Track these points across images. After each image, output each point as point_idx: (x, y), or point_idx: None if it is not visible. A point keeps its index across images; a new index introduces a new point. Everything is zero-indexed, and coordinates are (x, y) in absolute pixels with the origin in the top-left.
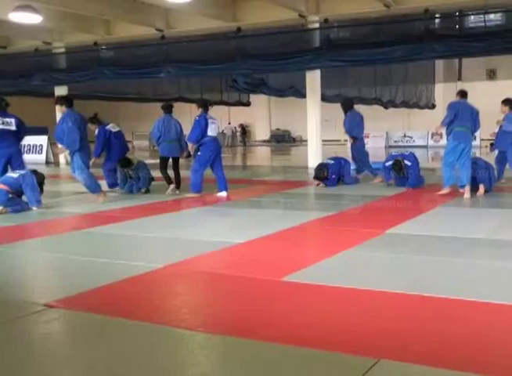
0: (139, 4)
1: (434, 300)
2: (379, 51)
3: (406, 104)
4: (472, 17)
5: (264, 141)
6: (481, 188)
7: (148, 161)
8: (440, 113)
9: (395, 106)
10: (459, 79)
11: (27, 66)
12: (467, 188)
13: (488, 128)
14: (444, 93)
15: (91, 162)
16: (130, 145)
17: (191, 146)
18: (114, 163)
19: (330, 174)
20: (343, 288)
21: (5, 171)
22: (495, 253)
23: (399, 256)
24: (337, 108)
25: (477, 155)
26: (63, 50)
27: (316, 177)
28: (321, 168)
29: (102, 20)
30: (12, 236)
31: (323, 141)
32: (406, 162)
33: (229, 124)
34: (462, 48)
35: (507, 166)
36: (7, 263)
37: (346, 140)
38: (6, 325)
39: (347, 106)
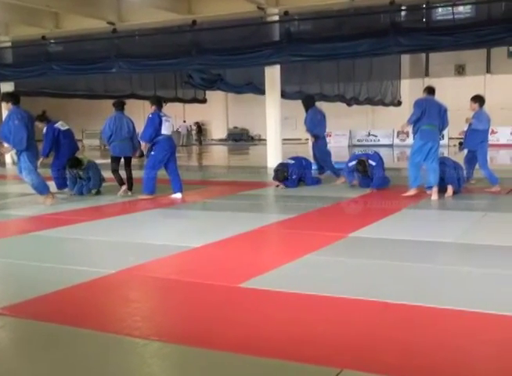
0: None
1: (400, 307)
2: (342, 45)
3: (371, 101)
4: (440, 9)
5: (221, 140)
6: (450, 189)
7: (99, 161)
8: (406, 110)
9: (359, 103)
10: (427, 75)
11: None
12: (435, 189)
13: (456, 126)
14: (410, 89)
15: (39, 162)
16: (80, 144)
17: (144, 146)
18: (63, 163)
19: (291, 174)
20: (304, 295)
21: None
22: (464, 258)
23: (363, 261)
24: (297, 105)
25: (446, 155)
26: (9, 44)
27: (276, 178)
28: (281, 169)
29: (51, 13)
30: None
31: (283, 140)
32: (371, 162)
33: (184, 122)
34: (429, 42)
35: (477, 166)
36: None
37: (307, 139)
38: None
39: (309, 104)
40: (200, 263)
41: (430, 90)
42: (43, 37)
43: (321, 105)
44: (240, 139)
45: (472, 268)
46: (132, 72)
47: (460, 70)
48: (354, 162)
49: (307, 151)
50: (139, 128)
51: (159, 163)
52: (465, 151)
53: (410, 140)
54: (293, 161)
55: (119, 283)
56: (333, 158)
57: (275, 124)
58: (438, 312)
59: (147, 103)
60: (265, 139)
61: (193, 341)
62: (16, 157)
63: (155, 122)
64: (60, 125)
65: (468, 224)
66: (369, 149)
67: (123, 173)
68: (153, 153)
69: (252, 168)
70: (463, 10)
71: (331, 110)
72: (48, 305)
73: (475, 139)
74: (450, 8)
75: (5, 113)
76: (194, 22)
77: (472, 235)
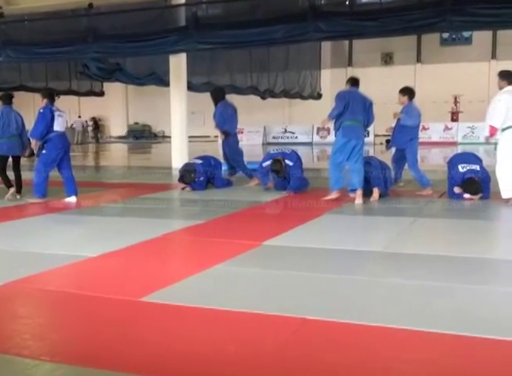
0: None
1: (319, 323)
2: (255, 31)
3: (287, 94)
4: None
5: (120, 137)
6: (376, 192)
7: None
8: (327, 104)
9: (274, 96)
10: (350, 64)
11: None
12: (359, 192)
13: (383, 122)
14: (332, 81)
15: None
16: None
17: (34, 143)
18: None
19: (198, 176)
20: (212, 310)
21: None
22: (391, 268)
23: (279, 272)
24: (205, 99)
25: (371, 154)
26: None
27: (182, 179)
28: (187, 169)
29: None
30: None
31: (190, 137)
32: (287, 162)
33: (79, 117)
34: (353, 28)
35: (406, 166)
36: None
37: (216, 136)
38: None
39: (218, 97)
40: (97, 275)
41: (354, 81)
42: None
43: (232, 98)
44: (142, 136)
45: (400, 279)
46: (21, 61)
47: (387, 60)
48: (269, 162)
49: (216, 150)
50: (29, 124)
51: (51, 163)
52: (393, 150)
53: (331, 137)
54: (200, 161)
55: (6, 296)
56: (246, 158)
57: (181, 119)
58: (362, 329)
59: (38, 96)
60: (169, 137)
61: (90, 362)
62: None
63: (47, 117)
64: None
65: (396, 231)
66: (285, 147)
67: (11, 174)
68: (44, 151)
69: (155, 168)
70: None
71: (243, 104)
72: None
73: (404, 137)
74: None
75: None
76: (91, 5)
77: (400, 243)
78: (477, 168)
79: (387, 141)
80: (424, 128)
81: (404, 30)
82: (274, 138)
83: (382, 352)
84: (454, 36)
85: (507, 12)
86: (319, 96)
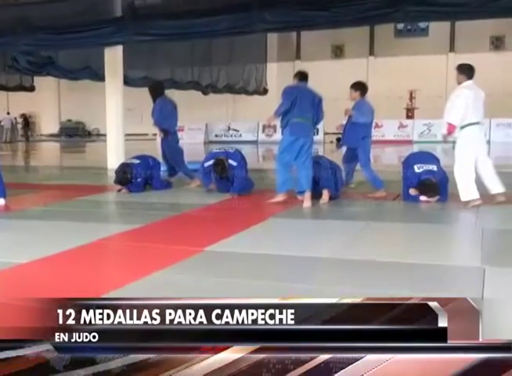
0: None
1: None
2: (197, 22)
3: (231, 89)
4: None
5: (52, 135)
6: (325, 194)
7: None
8: (273, 99)
9: (217, 91)
10: (298, 57)
11: None
12: (307, 194)
13: (334, 119)
14: (278, 75)
15: None
16: None
17: None
18: None
19: (135, 177)
20: None
21: None
22: (342, 276)
23: (220, 280)
24: (143, 94)
25: (321, 153)
26: None
27: (118, 181)
28: (123, 170)
29: None
30: None
31: (127, 135)
32: (231, 162)
33: (8, 114)
34: (301, 19)
35: (358, 167)
36: None
37: (155, 134)
38: None
39: (157, 92)
40: (26, 283)
41: (303, 76)
42: None
43: (172, 93)
44: (75, 134)
45: (351, 288)
46: None
47: (338, 52)
48: (211, 162)
49: (155, 149)
50: None
51: None
52: (344, 149)
53: (278, 136)
54: (138, 161)
55: None
56: (186, 157)
57: (117, 116)
58: None
59: None
60: (104, 135)
61: None
62: None
63: None
64: None
65: (347, 236)
66: (229, 146)
67: None
68: None
69: (89, 168)
70: None
71: (184, 100)
72: None
73: (356, 135)
74: None
75: None
76: None
77: (352, 249)
78: (435, 168)
79: (338, 139)
80: (378, 126)
81: (356, 20)
82: (217, 136)
83: None
84: (409, 27)
85: (467, 2)
86: (264, 92)
